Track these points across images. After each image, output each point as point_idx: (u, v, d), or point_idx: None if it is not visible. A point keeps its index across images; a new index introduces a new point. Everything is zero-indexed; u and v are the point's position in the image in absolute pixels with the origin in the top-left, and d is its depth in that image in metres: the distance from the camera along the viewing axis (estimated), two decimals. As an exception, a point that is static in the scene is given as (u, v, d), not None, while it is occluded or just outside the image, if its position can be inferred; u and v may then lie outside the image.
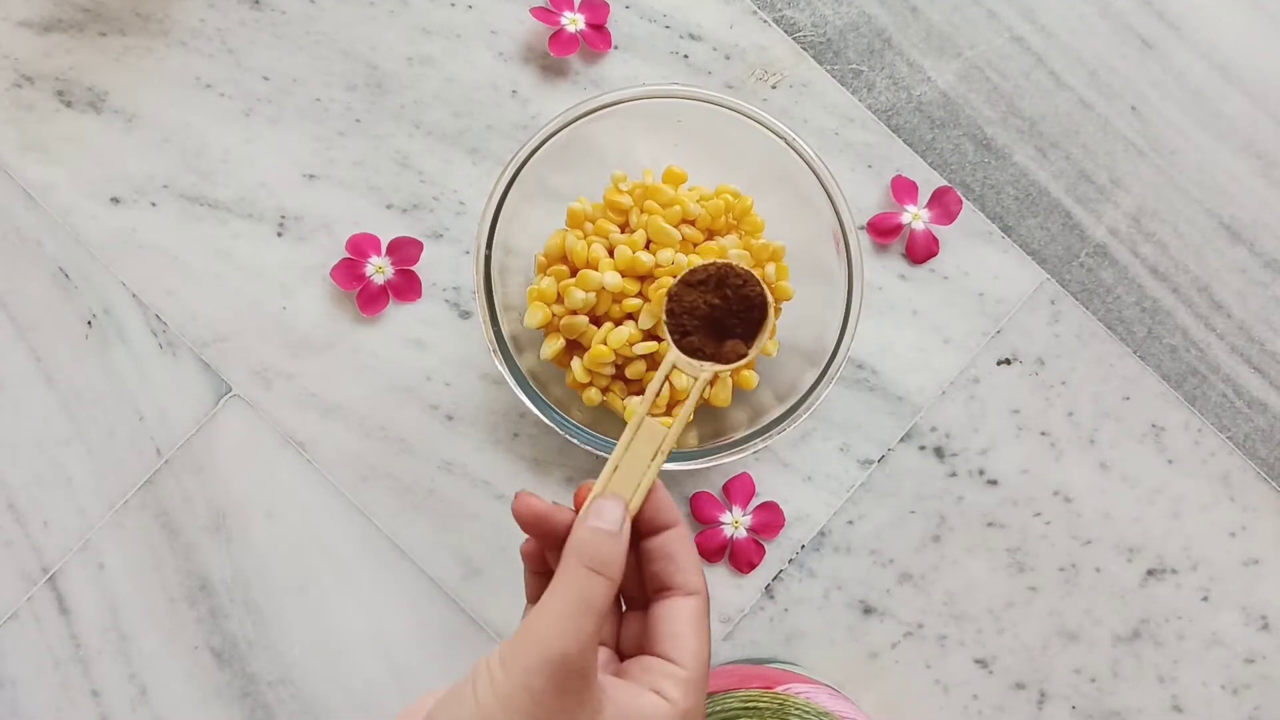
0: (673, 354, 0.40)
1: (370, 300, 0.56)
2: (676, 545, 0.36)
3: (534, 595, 0.39)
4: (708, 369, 0.40)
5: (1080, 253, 0.58)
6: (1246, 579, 0.56)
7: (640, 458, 0.37)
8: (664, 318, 0.41)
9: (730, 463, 0.54)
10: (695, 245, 0.51)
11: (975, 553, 0.56)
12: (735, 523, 0.55)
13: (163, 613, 0.55)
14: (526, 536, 0.37)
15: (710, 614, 0.36)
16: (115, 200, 0.56)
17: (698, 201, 0.52)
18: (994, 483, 0.56)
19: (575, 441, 0.49)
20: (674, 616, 0.35)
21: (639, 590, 0.38)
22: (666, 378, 0.39)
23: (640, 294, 0.50)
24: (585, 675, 0.32)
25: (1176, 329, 0.57)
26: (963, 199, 0.57)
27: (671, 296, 0.41)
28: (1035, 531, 0.56)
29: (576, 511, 0.36)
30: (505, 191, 0.49)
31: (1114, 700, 0.56)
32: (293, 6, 0.58)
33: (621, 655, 0.37)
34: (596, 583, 0.33)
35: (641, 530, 0.36)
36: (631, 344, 0.49)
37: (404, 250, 0.56)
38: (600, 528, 0.34)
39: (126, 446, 0.55)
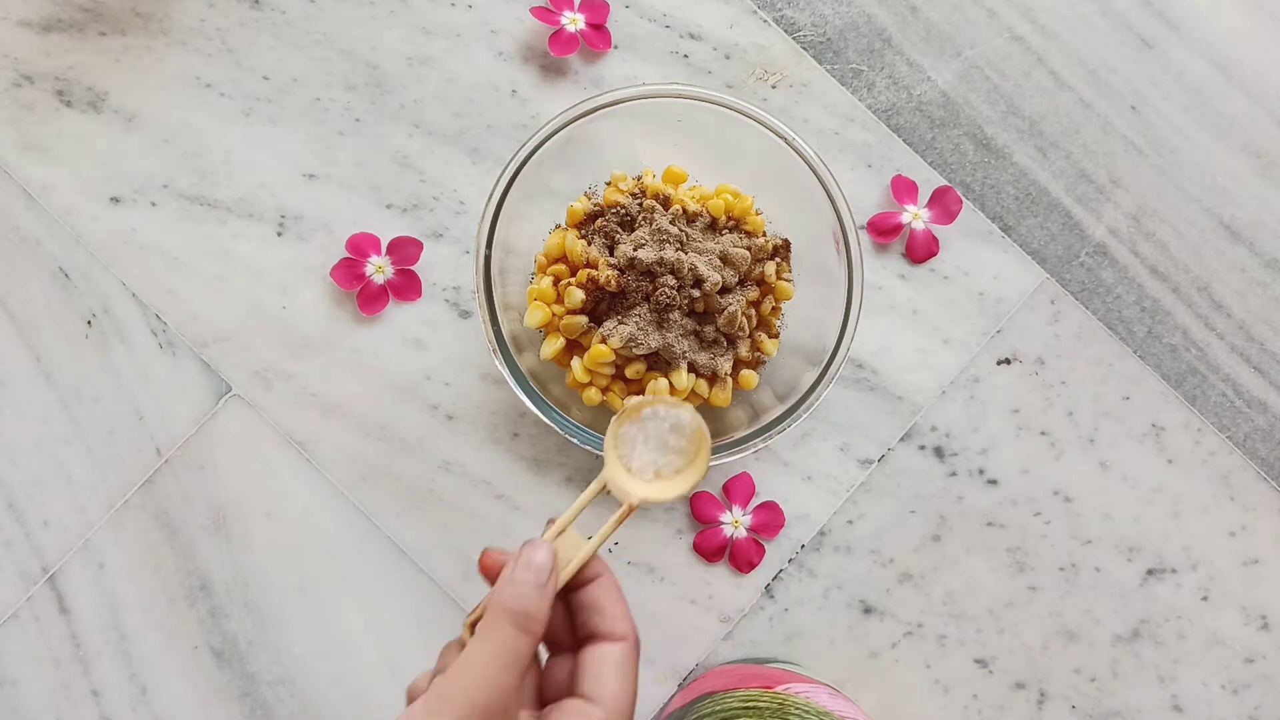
0: (609, 473, 0.39)
1: (370, 300, 0.56)
2: (602, 595, 0.37)
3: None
4: (637, 497, 0.38)
5: (1080, 252, 0.58)
6: (1246, 579, 0.56)
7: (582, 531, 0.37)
8: (610, 444, 0.40)
9: (730, 462, 0.54)
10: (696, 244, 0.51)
11: (975, 552, 0.56)
12: (735, 522, 0.55)
13: (163, 613, 0.55)
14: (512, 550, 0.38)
15: (639, 659, 0.37)
16: (115, 200, 0.56)
17: (697, 201, 0.52)
18: (994, 482, 0.56)
19: (575, 441, 0.49)
20: (598, 660, 0.36)
21: (570, 637, 0.38)
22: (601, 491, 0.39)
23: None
24: (508, 718, 0.33)
25: (1176, 329, 0.57)
26: (963, 199, 0.57)
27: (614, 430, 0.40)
28: (1035, 531, 0.56)
29: None
30: (505, 191, 0.49)
31: (1114, 700, 0.56)
32: (293, 6, 0.58)
33: (546, 701, 0.37)
34: (520, 638, 0.34)
35: (568, 584, 0.37)
36: (631, 344, 0.49)
37: (404, 250, 0.56)
38: (527, 579, 0.35)
39: (126, 446, 0.55)
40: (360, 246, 0.56)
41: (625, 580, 0.55)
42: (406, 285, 0.56)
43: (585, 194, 0.53)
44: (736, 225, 0.52)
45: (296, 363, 0.56)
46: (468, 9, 0.58)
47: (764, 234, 0.52)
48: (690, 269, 0.49)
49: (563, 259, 0.52)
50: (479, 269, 0.49)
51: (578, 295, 0.50)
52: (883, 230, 0.57)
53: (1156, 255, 0.58)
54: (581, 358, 0.51)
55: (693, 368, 0.51)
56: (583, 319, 0.50)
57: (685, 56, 0.58)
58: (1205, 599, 0.56)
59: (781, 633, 0.55)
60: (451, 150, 0.57)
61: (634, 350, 0.49)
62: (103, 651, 0.55)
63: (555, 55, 0.57)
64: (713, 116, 0.50)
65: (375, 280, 0.56)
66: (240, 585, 0.55)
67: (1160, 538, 0.56)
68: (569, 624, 0.38)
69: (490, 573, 0.37)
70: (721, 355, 0.51)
